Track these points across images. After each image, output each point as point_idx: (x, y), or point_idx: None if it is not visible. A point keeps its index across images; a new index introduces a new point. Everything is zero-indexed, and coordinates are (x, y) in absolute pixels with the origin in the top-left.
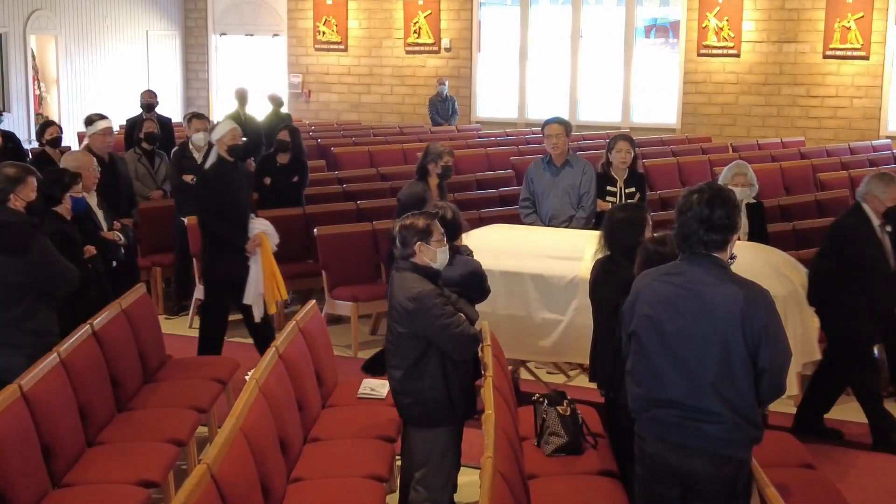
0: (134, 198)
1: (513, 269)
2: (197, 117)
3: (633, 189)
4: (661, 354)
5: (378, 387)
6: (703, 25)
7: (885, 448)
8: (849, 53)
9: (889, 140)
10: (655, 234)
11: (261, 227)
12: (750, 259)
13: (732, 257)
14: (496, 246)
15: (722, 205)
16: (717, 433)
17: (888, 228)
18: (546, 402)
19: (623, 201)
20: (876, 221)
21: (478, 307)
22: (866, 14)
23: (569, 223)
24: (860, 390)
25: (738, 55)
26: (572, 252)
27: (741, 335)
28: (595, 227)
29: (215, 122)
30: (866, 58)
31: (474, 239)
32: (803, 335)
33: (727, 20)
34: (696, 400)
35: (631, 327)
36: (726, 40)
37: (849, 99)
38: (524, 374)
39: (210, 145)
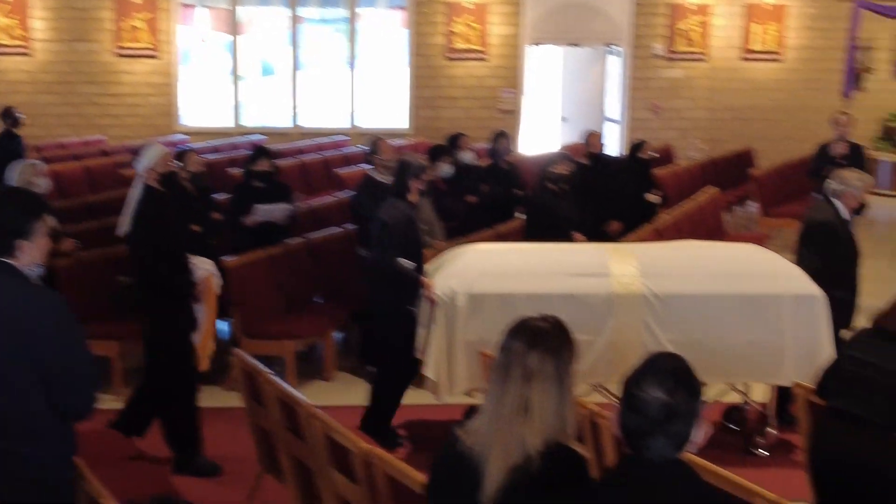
0: None
1: (538, 291)
2: None
3: None
4: None
5: None
6: None
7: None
8: (140, 52)
9: (184, 135)
10: None
11: (206, 270)
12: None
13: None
14: (501, 269)
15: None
16: (32, 455)
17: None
18: None
19: None
20: (847, 216)
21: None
22: (153, 14)
23: None
24: None
25: (30, 54)
26: (598, 268)
27: (37, 344)
28: None
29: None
30: (157, 57)
31: (467, 262)
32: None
33: (17, 19)
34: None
35: None
36: (18, 39)
37: (144, 97)
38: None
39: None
